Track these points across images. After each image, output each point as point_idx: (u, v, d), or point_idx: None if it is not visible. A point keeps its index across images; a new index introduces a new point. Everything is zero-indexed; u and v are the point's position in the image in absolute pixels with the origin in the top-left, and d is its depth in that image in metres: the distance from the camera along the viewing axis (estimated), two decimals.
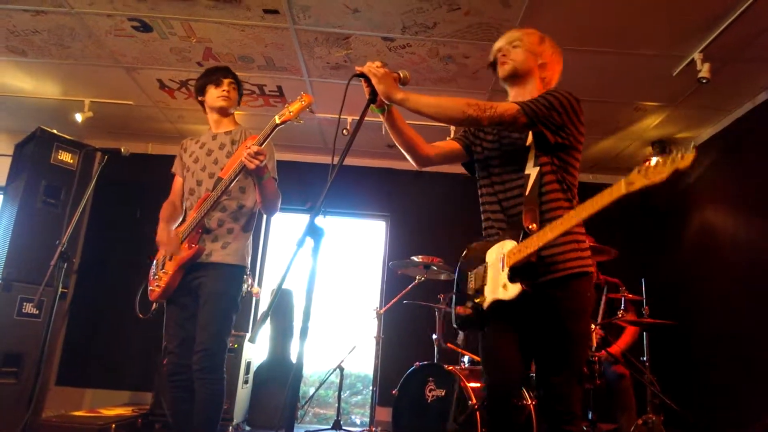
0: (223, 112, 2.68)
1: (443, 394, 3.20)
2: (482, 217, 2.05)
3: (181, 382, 2.47)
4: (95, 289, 5.13)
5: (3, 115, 4.97)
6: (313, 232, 1.64)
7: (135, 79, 4.16)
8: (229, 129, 2.68)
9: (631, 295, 3.26)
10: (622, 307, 3.19)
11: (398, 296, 4.01)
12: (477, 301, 1.90)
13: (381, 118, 1.94)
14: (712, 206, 4.30)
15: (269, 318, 5.07)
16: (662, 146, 4.57)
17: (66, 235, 3.25)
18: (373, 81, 1.78)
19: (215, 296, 2.44)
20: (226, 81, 2.66)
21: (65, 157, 4.32)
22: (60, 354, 4.99)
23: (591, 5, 3.04)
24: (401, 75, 1.82)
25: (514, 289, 1.73)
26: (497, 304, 1.81)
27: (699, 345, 4.26)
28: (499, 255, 1.84)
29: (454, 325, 2.05)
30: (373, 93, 1.81)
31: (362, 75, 1.81)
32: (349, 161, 6.13)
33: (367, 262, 5.78)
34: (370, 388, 4.31)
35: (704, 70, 3.34)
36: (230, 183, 2.40)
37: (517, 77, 2.01)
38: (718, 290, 4.07)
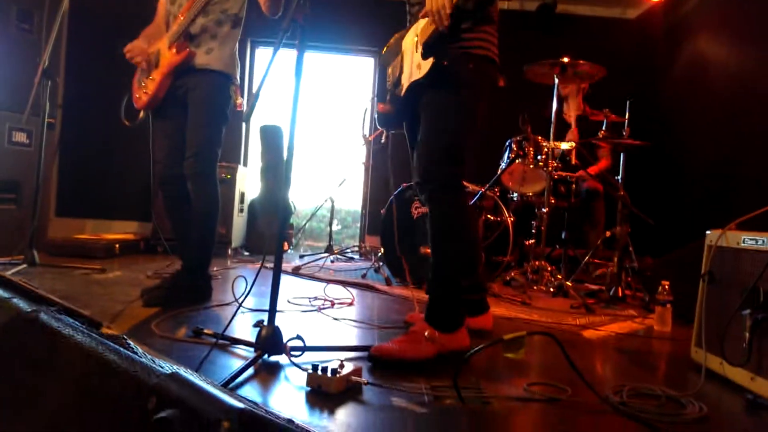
0: None
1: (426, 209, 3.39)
2: (407, 11, 1.99)
3: (173, 191, 2.56)
4: (82, 122, 5.09)
5: None
6: (297, 19, 1.64)
7: None
8: None
9: (614, 116, 3.32)
10: (603, 128, 3.26)
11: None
12: (396, 92, 1.89)
13: None
14: (706, 34, 4.23)
15: (260, 155, 5.18)
16: None
17: (46, 53, 3.19)
18: None
19: (203, 102, 2.45)
20: None
21: None
22: (57, 186, 5.11)
23: None
24: None
25: (426, 65, 1.71)
26: (412, 87, 1.80)
27: (677, 167, 4.43)
28: (413, 37, 1.81)
29: (378, 126, 2.10)
30: None
31: None
32: None
33: (355, 98, 5.74)
34: (360, 222, 4.52)
35: None
36: None
37: None
38: (703, 116, 4.15)
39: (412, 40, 1.83)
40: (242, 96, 2.64)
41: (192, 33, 2.44)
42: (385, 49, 2.07)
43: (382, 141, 3.50)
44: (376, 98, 4.01)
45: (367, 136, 4.16)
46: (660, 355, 2.23)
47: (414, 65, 1.78)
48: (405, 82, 1.84)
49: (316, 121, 5.85)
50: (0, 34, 3.97)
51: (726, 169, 3.80)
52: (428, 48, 1.72)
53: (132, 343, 0.65)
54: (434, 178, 1.81)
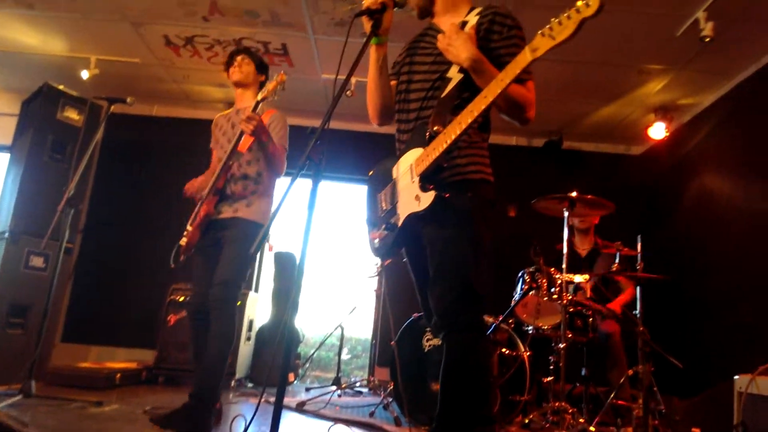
0: (241, 85, 2.93)
1: (440, 342, 3.26)
2: (396, 138, 1.97)
3: (202, 321, 2.69)
4: (100, 249, 5.21)
5: (10, 73, 5.01)
6: (313, 157, 1.70)
7: (141, 35, 4.18)
8: (249, 104, 2.84)
9: (627, 249, 3.30)
10: (616, 261, 3.22)
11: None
12: (391, 221, 1.80)
13: (372, 54, 1.88)
14: (712, 171, 4.33)
15: (273, 279, 5.18)
16: (665, 113, 4.59)
17: (73, 182, 3.32)
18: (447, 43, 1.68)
19: (236, 241, 2.68)
20: (238, 57, 2.92)
21: (71, 113, 4.39)
22: (66, 311, 5.09)
23: None
24: None
25: (427, 198, 1.64)
26: (411, 218, 1.71)
27: (692, 303, 4.31)
28: (407, 166, 1.77)
29: (373, 254, 1.96)
30: (375, 27, 1.78)
31: (364, 12, 1.77)
32: (353, 126, 6.01)
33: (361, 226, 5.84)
34: (370, 352, 4.39)
35: (707, 29, 3.35)
36: (233, 148, 2.66)
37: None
38: (714, 251, 4.11)
39: (405, 170, 1.78)
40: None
41: (234, 192, 2.76)
42: (370, 172, 2.06)
43: (376, 271, 3.50)
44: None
45: (379, 264, 4.16)
46: None
47: (411, 196, 1.71)
48: (401, 213, 1.76)
49: (328, 248, 5.92)
50: (33, 163, 4.19)
51: (746, 301, 3.69)
52: (426, 179, 1.67)
53: None
54: (454, 320, 1.67)
